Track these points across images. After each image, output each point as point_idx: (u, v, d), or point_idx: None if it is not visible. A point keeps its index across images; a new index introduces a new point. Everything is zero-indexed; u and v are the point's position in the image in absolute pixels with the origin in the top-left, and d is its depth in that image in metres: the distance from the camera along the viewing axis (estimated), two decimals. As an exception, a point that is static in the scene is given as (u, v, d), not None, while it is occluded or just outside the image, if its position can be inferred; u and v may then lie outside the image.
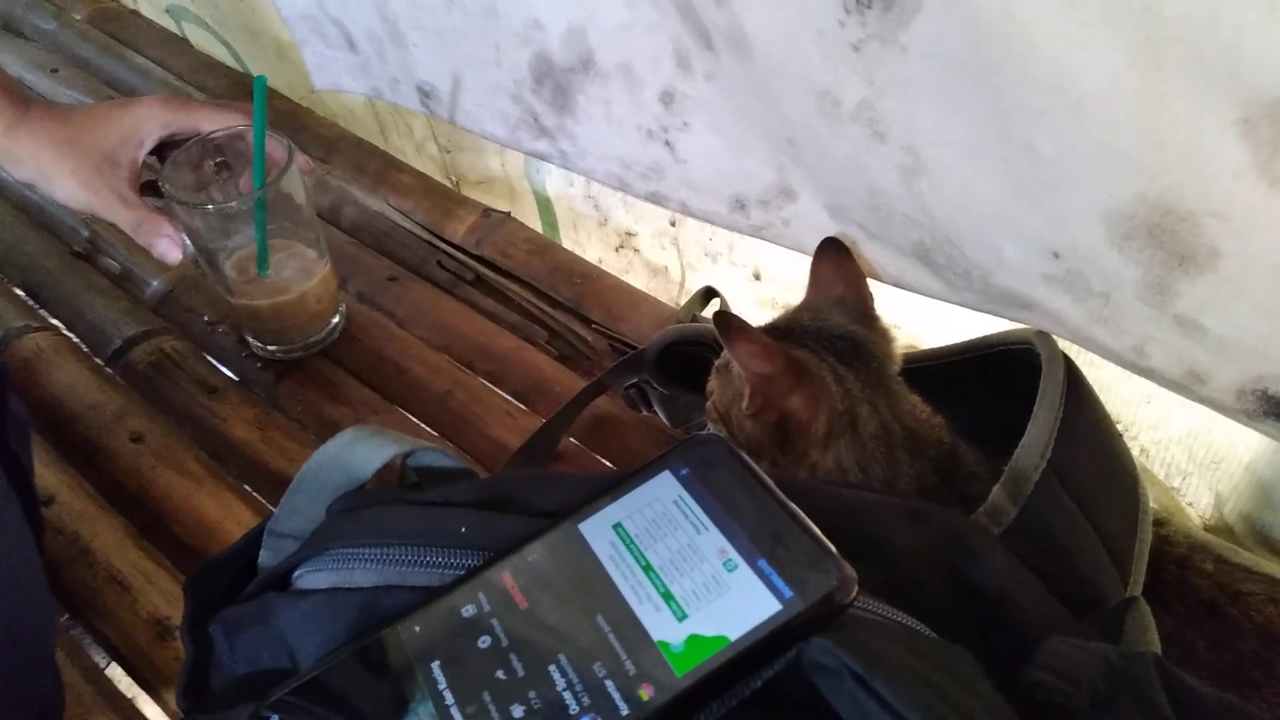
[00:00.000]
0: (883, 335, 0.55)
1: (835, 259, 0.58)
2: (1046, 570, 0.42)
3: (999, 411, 0.50)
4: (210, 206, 0.67)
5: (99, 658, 0.61)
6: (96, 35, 1.12)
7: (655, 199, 0.70)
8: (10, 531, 0.46)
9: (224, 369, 0.77)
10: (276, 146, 0.67)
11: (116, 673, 0.60)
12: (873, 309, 0.56)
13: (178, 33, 1.15)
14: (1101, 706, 0.32)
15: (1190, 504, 0.65)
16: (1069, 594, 0.41)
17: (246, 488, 0.69)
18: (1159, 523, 0.53)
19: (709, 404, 0.56)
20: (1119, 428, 0.53)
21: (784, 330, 0.54)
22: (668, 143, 0.65)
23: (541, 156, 0.78)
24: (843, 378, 0.51)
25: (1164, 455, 0.64)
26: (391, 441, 0.40)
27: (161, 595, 0.61)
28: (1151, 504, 0.51)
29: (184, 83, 1.05)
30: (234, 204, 0.67)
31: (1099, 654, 0.34)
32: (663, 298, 0.83)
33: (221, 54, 1.12)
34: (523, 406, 0.74)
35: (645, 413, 0.71)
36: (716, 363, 0.57)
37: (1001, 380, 0.52)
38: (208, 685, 0.38)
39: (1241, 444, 0.58)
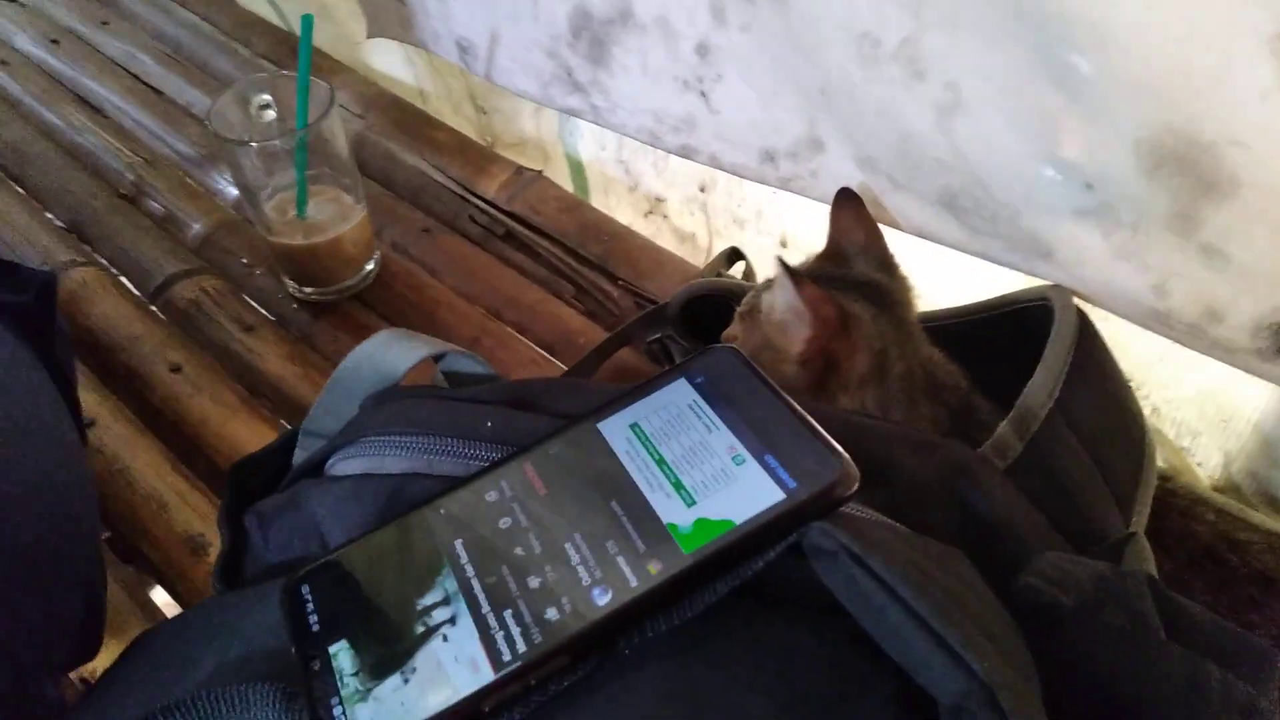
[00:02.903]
0: (903, 283, 0.56)
1: (853, 208, 0.59)
2: (1049, 506, 0.43)
3: (1014, 373, 0.50)
4: (253, 144, 0.69)
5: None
6: (146, -10, 1.15)
7: (686, 152, 0.72)
8: (58, 422, 0.48)
9: (261, 309, 0.80)
10: (319, 90, 0.69)
11: (158, 595, 0.63)
12: (892, 258, 0.57)
13: (224, -11, 1.18)
14: (1088, 611, 0.33)
15: (1199, 464, 0.65)
16: (1071, 530, 0.42)
17: (281, 421, 0.71)
18: (1164, 478, 0.54)
19: (731, 348, 0.57)
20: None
21: (809, 277, 0.55)
22: (703, 93, 0.66)
23: (573, 113, 0.79)
24: (876, 318, 0.52)
25: (1175, 414, 0.65)
26: (424, 343, 0.42)
27: (197, 514, 0.64)
28: (1160, 462, 0.52)
29: (228, 39, 1.08)
30: (276, 143, 0.69)
31: (1092, 567, 0.35)
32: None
33: (265, 10, 1.15)
34: (548, 356, 0.76)
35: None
36: (739, 309, 0.58)
37: (1017, 341, 0.53)
38: (242, 572, 0.40)
39: (1250, 403, 0.59)
